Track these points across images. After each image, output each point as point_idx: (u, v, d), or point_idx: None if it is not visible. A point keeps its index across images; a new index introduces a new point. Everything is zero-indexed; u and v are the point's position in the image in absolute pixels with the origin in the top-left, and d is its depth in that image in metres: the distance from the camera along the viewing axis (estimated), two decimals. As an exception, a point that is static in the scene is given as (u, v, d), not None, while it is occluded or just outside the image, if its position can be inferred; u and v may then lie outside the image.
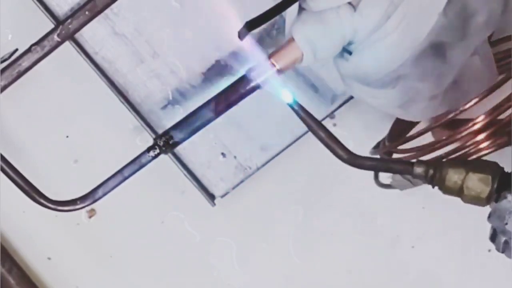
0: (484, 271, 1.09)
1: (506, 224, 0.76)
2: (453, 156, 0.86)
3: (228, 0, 0.99)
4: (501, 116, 0.87)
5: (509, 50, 0.93)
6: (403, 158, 0.92)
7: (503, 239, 0.77)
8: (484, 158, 0.85)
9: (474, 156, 0.86)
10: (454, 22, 0.83)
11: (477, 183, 0.78)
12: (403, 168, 0.80)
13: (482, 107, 0.88)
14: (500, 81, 0.87)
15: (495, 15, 0.85)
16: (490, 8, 0.84)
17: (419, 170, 0.80)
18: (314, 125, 0.82)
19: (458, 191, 0.78)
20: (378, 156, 0.88)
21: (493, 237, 0.79)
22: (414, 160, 0.81)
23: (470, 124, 0.86)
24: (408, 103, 0.87)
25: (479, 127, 0.86)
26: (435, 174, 0.79)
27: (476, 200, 0.78)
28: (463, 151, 0.86)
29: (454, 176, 0.78)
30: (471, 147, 0.86)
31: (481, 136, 0.86)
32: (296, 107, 0.82)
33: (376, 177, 0.99)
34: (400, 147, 0.95)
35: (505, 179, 0.77)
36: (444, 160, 0.81)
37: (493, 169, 0.78)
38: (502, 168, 0.79)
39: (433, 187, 0.81)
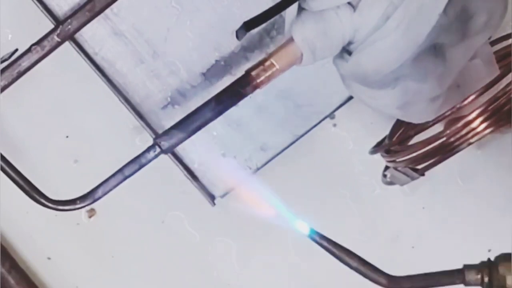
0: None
1: None
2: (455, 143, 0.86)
3: (228, 0, 0.99)
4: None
5: (509, 47, 0.93)
6: (403, 157, 0.92)
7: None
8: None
9: (475, 138, 0.86)
10: (454, 22, 0.83)
11: None
12: (451, 280, 0.73)
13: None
14: (497, 77, 0.87)
15: (495, 16, 0.85)
16: (490, 8, 0.84)
17: (471, 276, 0.73)
18: (341, 253, 0.77)
19: None
20: (417, 274, 0.78)
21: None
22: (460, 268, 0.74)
23: (467, 114, 0.86)
24: (408, 104, 0.87)
25: (477, 114, 0.86)
26: (491, 277, 0.72)
27: None
28: (462, 139, 0.87)
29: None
30: (470, 134, 0.86)
31: (478, 121, 0.86)
32: (317, 238, 0.77)
33: (384, 175, 0.99)
34: (400, 146, 0.95)
35: None
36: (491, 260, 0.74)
37: None
38: None
39: None
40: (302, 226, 0.78)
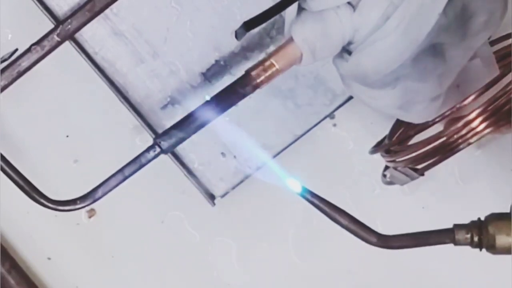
0: (484, 271, 1.09)
1: None
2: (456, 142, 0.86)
3: (228, 0, 0.99)
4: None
5: (509, 47, 0.93)
6: (402, 157, 0.92)
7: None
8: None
9: (475, 138, 0.86)
10: (454, 22, 0.83)
11: None
12: (442, 239, 0.74)
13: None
14: (497, 77, 0.87)
15: (495, 16, 0.85)
16: (490, 8, 0.84)
17: (461, 235, 0.73)
18: (333, 211, 0.76)
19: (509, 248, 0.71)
20: (408, 232, 0.80)
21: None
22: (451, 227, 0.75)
23: (467, 114, 0.86)
24: (408, 104, 0.87)
25: (477, 114, 0.86)
26: (480, 236, 0.72)
27: None
28: (462, 139, 0.87)
29: (502, 233, 0.71)
30: (470, 133, 0.86)
31: (478, 121, 0.86)
32: (308, 196, 0.77)
33: (383, 175, 0.99)
34: (400, 146, 0.95)
35: None
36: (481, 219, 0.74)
37: None
38: None
39: (480, 250, 0.74)
40: (293, 183, 0.77)
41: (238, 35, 0.81)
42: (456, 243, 0.73)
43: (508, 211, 0.75)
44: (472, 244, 0.73)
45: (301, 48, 0.82)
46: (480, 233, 0.72)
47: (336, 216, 0.75)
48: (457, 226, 0.73)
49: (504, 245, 0.71)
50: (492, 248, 0.72)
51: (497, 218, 0.72)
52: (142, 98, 1.03)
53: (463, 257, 1.10)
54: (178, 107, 1.02)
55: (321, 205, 0.75)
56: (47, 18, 0.99)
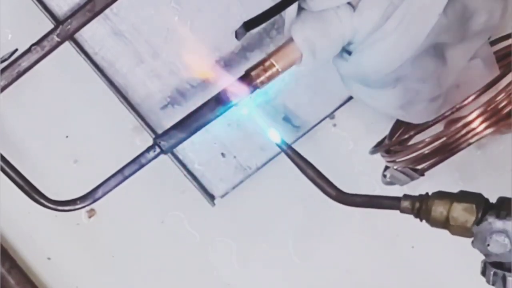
0: (484, 271, 1.09)
1: (488, 245, 0.77)
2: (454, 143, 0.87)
3: (228, 0, 0.99)
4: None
5: (509, 47, 0.93)
6: (403, 157, 0.92)
7: (492, 271, 0.78)
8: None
9: (475, 138, 0.86)
10: (454, 23, 0.83)
11: (461, 212, 0.78)
12: (390, 204, 0.81)
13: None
14: (497, 77, 0.87)
15: (495, 16, 0.85)
16: (490, 8, 0.84)
17: (405, 204, 0.81)
18: (303, 164, 0.83)
19: (445, 222, 0.79)
20: (365, 194, 0.87)
21: (484, 271, 0.80)
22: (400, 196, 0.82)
23: (467, 115, 0.87)
24: (408, 104, 0.87)
25: (477, 114, 0.86)
26: (421, 207, 0.80)
27: (463, 230, 0.79)
28: (462, 139, 0.87)
29: (439, 207, 0.79)
30: (470, 134, 0.86)
31: (478, 121, 0.86)
32: (284, 147, 0.82)
33: (383, 176, 0.99)
34: (400, 146, 0.95)
35: (488, 208, 0.78)
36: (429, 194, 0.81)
37: (477, 198, 0.79)
38: (486, 198, 0.80)
39: (420, 220, 0.81)
40: (274, 135, 0.83)
41: (238, 35, 0.81)
42: (401, 210, 0.81)
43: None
44: (413, 212, 0.80)
45: (301, 48, 0.82)
46: (421, 205, 0.80)
47: (306, 169, 0.83)
48: (405, 196, 0.81)
49: (438, 218, 0.79)
50: (428, 219, 0.80)
51: (440, 194, 0.80)
52: (142, 98, 1.02)
53: (463, 257, 1.10)
54: (178, 107, 1.02)
55: (294, 157, 0.83)
56: (47, 18, 0.99)
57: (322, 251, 1.11)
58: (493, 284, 0.79)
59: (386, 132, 0.98)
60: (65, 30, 0.97)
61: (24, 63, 0.98)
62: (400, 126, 0.97)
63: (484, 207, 0.78)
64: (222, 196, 1.05)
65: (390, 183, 0.97)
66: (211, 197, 1.05)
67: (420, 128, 0.91)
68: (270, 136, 0.83)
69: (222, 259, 1.12)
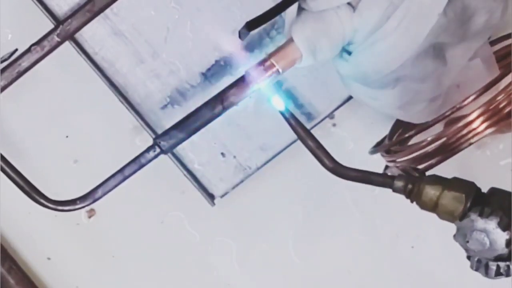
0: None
1: (468, 242, 0.77)
2: (454, 144, 0.87)
3: (228, 0, 0.99)
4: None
5: (509, 47, 0.93)
6: (403, 157, 0.92)
7: (475, 258, 0.79)
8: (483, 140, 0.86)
9: (476, 138, 0.86)
10: (454, 23, 0.83)
11: (451, 201, 0.79)
12: (384, 181, 0.82)
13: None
14: (497, 77, 0.87)
15: (495, 16, 0.85)
16: (490, 8, 0.84)
17: (399, 184, 0.81)
18: (304, 134, 0.83)
19: (433, 207, 0.80)
20: (362, 169, 0.89)
21: (468, 256, 0.81)
22: (396, 175, 0.83)
23: (468, 115, 0.87)
24: (408, 104, 0.87)
25: (477, 114, 0.86)
26: (413, 189, 0.81)
27: (450, 217, 0.80)
28: (462, 139, 0.87)
29: (430, 192, 0.80)
30: (471, 134, 0.87)
31: (478, 121, 0.86)
32: (287, 115, 0.83)
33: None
34: (400, 146, 0.95)
35: (479, 199, 0.78)
36: (423, 175, 0.83)
37: (468, 188, 0.79)
38: (478, 188, 0.80)
39: (411, 201, 0.82)
40: (277, 102, 0.83)
41: (241, 35, 0.81)
42: (394, 189, 0.82)
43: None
44: (405, 192, 0.81)
45: (301, 48, 0.82)
46: (414, 186, 0.81)
47: (306, 139, 0.83)
48: (400, 176, 0.82)
49: (427, 202, 0.80)
50: (418, 202, 0.81)
51: (433, 180, 0.80)
52: (142, 98, 1.03)
53: (463, 257, 1.10)
54: (178, 107, 1.02)
55: (296, 126, 0.83)
56: (47, 18, 0.99)
57: (322, 251, 1.11)
58: (476, 270, 0.79)
59: (386, 132, 0.98)
60: (65, 30, 0.97)
61: (24, 63, 0.98)
62: (400, 126, 0.97)
63: (474, 197, 0.79)
64: (222, 196, 1.05)
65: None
66: (211, 197, 1.05)
67: (420, 128, 0.91)
68: (273, 103, 0.83)
69: (222, 259, 1.12)
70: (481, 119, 0.86)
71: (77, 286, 1.14)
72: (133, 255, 1.12)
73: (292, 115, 0.83)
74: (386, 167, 0.98)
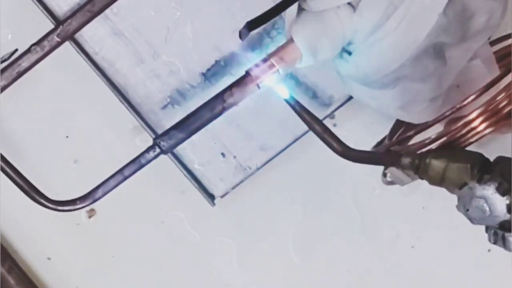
0: (484, 271, 1.09)
1: (468, 210, 0.77)
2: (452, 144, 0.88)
3: (228, 0, 0.99)
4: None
5: (509, 47, 0.93)
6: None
7: (492, 230, 0.78)
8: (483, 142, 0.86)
9: (475, 138, 0.87)
10: (454, 23, 0.83)
11: (456, 172, 0.79)
12: (391, 160, 0.83)
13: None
14: (497, 77, 0.87)
15: (495, 16, 0.85)
16: (490, 8, 0.84)
17: (405, 160, 0.82)
18: (310, 119, 0.84)
19: (441, 181, 0.80)
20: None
21: (486, 229, 0.81)
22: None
23: (467, 114, 0.87)
24: (408, 104, 0.87)
25: (477, 114, 0.86)
26: (419, 165, 0.81)
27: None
28: (462, 139, 0.87)
29: (436, 166, 0.80)
30: (470, 133, 0.87)
31: (478, 121, 0.86)
32: (292, 102, 0.83)
33: (384, 175, 0.99)
34: (400, 146, 0.95)
35: (487, 168, 0.78)
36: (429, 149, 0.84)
37: (473, 158, 0.79)
38: (486, 159, 0.80)
39: (421, 178, 0.82)
40: (282, 90, 0.84)
41: (242, 35, 0.81)
42: (402, 167, 0.83)
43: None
44: (412, 167, 0.82)
45: (301, 48, 0.82)
46: (420, 161, 0.82)
47: (313, 124, 0.84)
48: (406, 154, 0.83)
49: (435, 177, 0.80)
50: (426, 175, 0.81)
51: (440, 152, 0.81)
52: (142, 98, 1.03)
53: (463, 257, 1.10)
54: (178, 107, 1.02)
55: (302, 113, 0.84)
56: (47, 18, 0.99)
57: (322, 251, 1.11)
58: (494, 243, 0.79)
59: (386, 132, 0.98)
60: (65, 30, 0.97)
61: (24, 63, 0.98)
62: (400, 126, 0.97)
63: (481, 167, 0.78)
64: (222, 196, 1.05)
65: (391, 183, 0.97)
66: (211, 197, 1.05)
67: (420, 128, 0.91)
68: (280, 92, 0.83)
69: (222, 259, 1.12)
70: (480, 119, 0.86)
71: (77, 286, 1.14)
72: (133, 255, 1.12)
73: (298, 102, 0.83)
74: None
